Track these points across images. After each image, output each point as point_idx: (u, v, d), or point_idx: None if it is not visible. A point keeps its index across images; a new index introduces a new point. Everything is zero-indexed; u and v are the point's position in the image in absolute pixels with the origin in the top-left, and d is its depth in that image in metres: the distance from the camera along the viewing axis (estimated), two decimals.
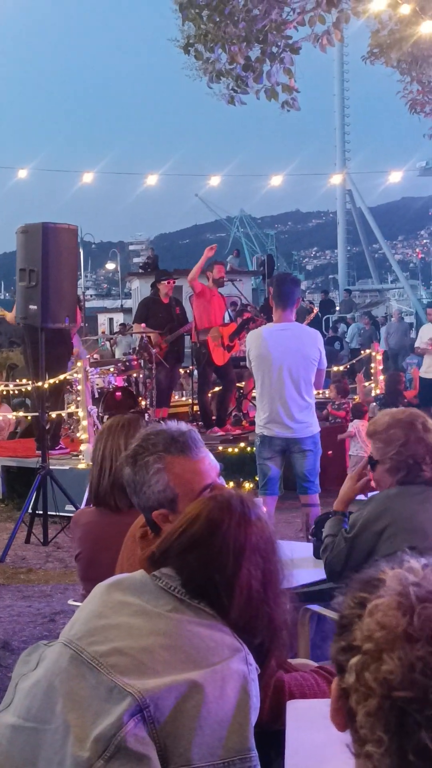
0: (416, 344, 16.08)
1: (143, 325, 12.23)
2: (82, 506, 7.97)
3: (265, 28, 7.00)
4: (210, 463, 2.76)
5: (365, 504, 3.82)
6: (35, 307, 8.36)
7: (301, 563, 4.39)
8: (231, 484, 10.43)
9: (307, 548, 4.70)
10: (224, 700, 1.93)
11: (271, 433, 7.14)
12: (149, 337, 12.09)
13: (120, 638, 2.00)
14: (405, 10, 8.09)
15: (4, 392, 10.82)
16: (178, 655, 1.96)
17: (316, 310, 14.75)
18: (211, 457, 2.79)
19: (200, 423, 12.64)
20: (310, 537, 4.69)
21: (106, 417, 10.62)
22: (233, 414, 12.97)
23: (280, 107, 7.66)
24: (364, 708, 1.26)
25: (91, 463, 4.05)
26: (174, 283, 12.92)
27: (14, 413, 12.33)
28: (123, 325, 27.55)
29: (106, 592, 2.17)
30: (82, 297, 35.83)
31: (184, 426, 2.80)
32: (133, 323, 13.20)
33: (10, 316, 10.96)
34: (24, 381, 11.75)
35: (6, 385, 11.53)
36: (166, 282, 12.61)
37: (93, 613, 2.11)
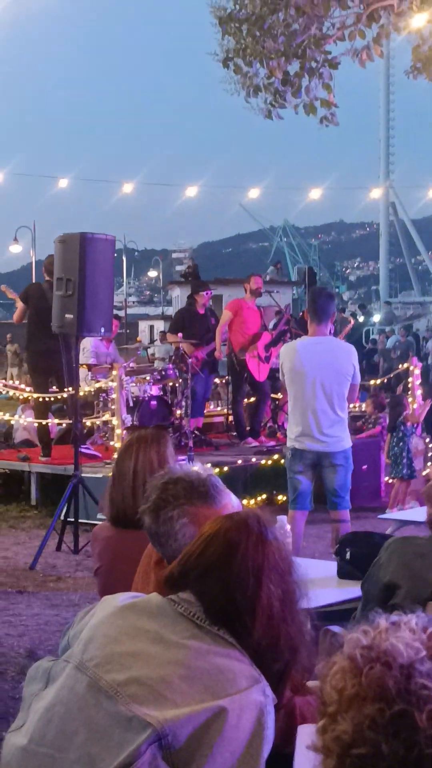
0: None
1: (179, 335, 12.26)
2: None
3: (304, 43, 7.01)
4: (232, 506, 2.72)
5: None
6: (71, 316, 8.41)
7: (325, 582, 4.38)
8: (264, 495, 10.49)
9: (332, 567, 4.69)
10: (239, 730, 1.92)
11: (303, 446, 7.14)
12: (184, 348, 12.12)
13: (137, 667, 1.99)
14: None
15: (40, 399, 10.84)
16: (196, 685, 1.95)
17: (353, 321, 14.70)
18: (233, 498, 2.73)
19: (234, 433, 12.67)
20: (334, 556, 4.67)
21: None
22: (268, 425, 12.96)
23: (318, 122, 7.66)
24: (328, 766, 1.33)
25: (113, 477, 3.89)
26: (211, 294, 12.95)
27: (50, 420, 12.37)
28: (163, 332, 27.64)
29: (121, 615, 2.15)
30: (124, 304, 35.98)
31: (203, 471, 2.74)
32: (168, 332, 13.22)
33: (17, 314, 11.03)
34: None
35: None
36: (203, 293, 12.62)
37: (109, 637, 2.10)
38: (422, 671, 1.28)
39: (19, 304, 10.85)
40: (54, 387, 10.92)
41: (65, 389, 10.57)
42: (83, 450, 10.49)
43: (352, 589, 4.20)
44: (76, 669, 2.06)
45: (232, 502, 2.69)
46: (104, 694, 1.98)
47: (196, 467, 2.78)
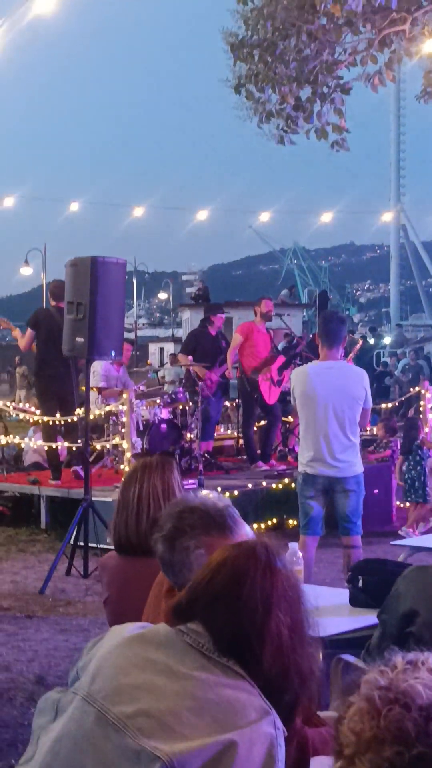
0: None
1: (190, 357, 12.26)
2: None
3: (316, 68, 7.03)
4: (248, 538, 2.69)
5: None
6: (82, 339, 8.42)
7: (337, 610, 4.34)
8: (274, 520, 10.45)
9: (344, 594, 4.65)
10: (250, 763, 1.89)
11: (314, 471, 7.11)
12: (196, 371, 12.11)
13: (146, 699, 1.97)
14: None
15: (48, 422, 10.85)
16: (205, 718, 1.93)
17: (361, 342, 14.58)
18: (248, 529, 2.71)
19: (244, 457, 12.64)
20: (346, 583, 4.63)
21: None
22: (278, 449, 12.93)
23: (329, 147, 7.68)
24: None
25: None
26: (224, 317, 13.00)
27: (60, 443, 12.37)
28: (173, 355, 27.66)
29: (129, 645, 2.13)
30: (134, 326, 36.04)
31: (219, 501, 2.71)
32: (179, 354, 13.22)
33: (22, 342, 11.06)
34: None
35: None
36: (219, 315, 12.68)
37: (117, 669, 2.07)
38: None
39: (26, 332, 10.89)
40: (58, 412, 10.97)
41: (71, 413, 10.65)
42: (76, 469, 10.59)
43: (365, 617, 4.17)
44: (84, 701, 2.04)
45: (247, 534, 2.66)
46: (112, 727, 1.95)
47: (212, 495, 2.76)
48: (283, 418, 12.68)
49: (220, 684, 1.99)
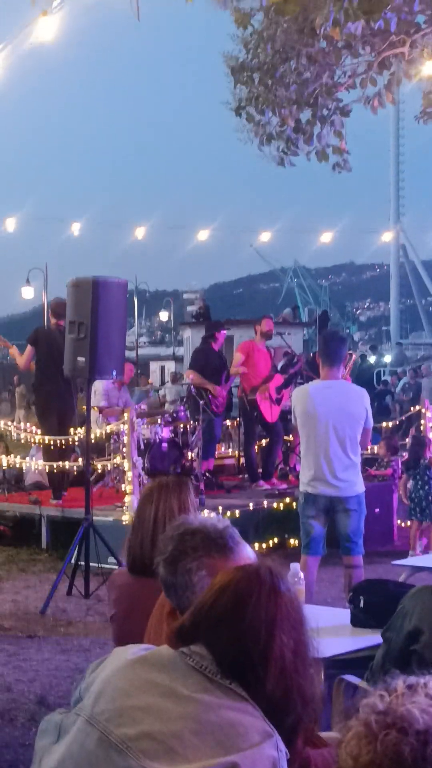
0: None
1: (193, 376, 12.30)
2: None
3: (316, 91, 7.09)
4: (250, 559, 2.69)
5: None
6: (83, 359, 8.45)
7: (338, 631, 4.34)
8: (275, 539, 10.44)
9: (345, 614, 4.65)
10: None
11: (316, 491, 7.11)
12: (210, 389, 12.10)
13: (148, 721, 1.97)
14: None
15: (50, 441, 10.87)
16: (208, 740, 1.93)
17: (354, 355, 14.45)
18: (249, 549, 2.72)
19: (245, 476, 12.64)
20: (347, 604, 4.64)
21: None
22: (279, 468, 12.93)
23: (331, 169, 7.73)
24: None
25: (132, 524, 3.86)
26: (225, 334, 13.08)
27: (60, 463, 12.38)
28: (174, 373, 27.66)
29: (132, 668, 2.14)
30: (135, 344, 36.05)
31: (220, 523, 2.72)
32: (189, 371, 13.12)
33: (21, 360, 11.11)
34: (73, 430, 11.84)
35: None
36: (223, 331, 12.76)
37: (120, 691, 2.08)
38: None
39: (25, 350, 10.93)
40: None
41: (69, 432, 10.73)
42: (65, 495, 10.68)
43: (366, 638, 4.18)
44: (86, 722, 2.05)
45: (248, 555, 2.68)
46: (115, 749, 1.96)
47: (212, 516, 2.77)
48: (285, 437, 12.69)
49: (223, 706, 1.99)
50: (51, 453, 10.91)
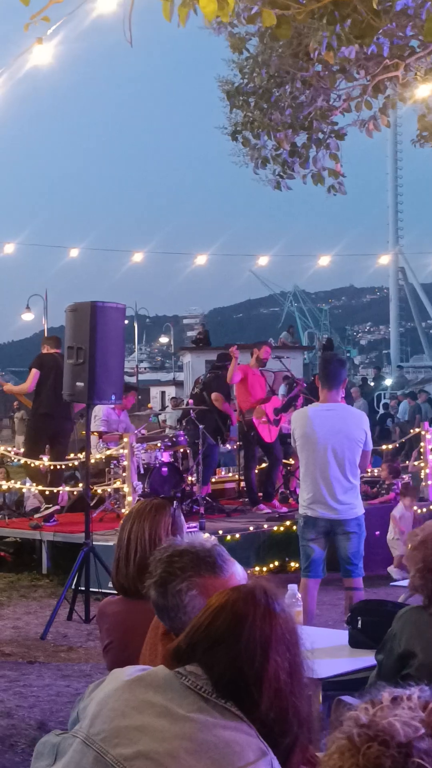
0: None
1: (226, 405, 12.49)
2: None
3: (311, 114, 7.14)
4: (239, 576, 2.70)
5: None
6: (82, 384, 8.46)
7: (336, 652, 4.33)
8: (276, 562, 10.42)
9: (344, 636, 4.64)
10: None
11: (315, 513, 7.10)
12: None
13: (144, 741, 1.98)
14: None
15: (51, 466, 10.88)
16: (203, 759, 1.93)
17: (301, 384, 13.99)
18: (239, 567, 2.72)
19: (246, 499, 12.62)
20: (345, 624, 4.63)
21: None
22: (280, 491, 12.92)
23: (326, 192, 7.76)
24: None
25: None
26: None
27: (60, 488, 12.39)
28: (174, 398, 27.65)
29: (128, 688, 2.14)
30: (135, 370, 36.11)
31: (207, 542, 2.73)
32: (215, 392, 13.03)
33: (23, 386, 11.22)
34: (73, 455, 11.85)
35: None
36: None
37: (116, 711, 2.08)
38: (421, 749, 1.26)
39: (30, 374, 11.01)
40: (46, 454, 11.05)
41: (62, 457, 10.78)
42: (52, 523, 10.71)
43: (364, 659, 4.17)
44: (83, 743, 2.05)
45: (237, 572, 2.68)
46: None
47: (199, 537, 2.78)
48: (285, 461, 12.68)
49: (218, 725, 1.99)
50: (38, 476, 11.00)
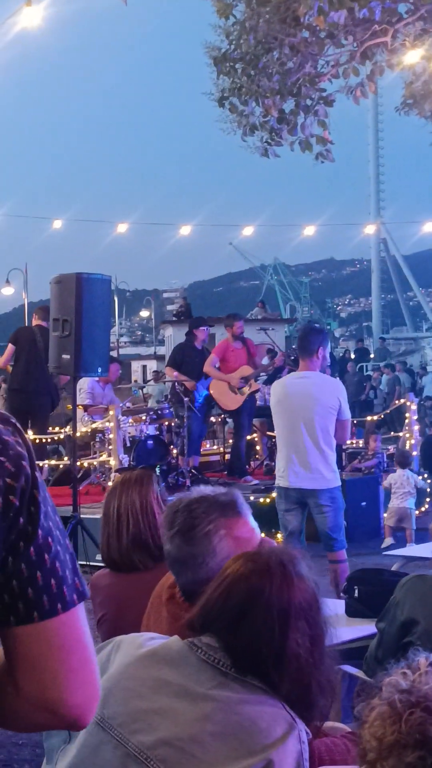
0: None
1: (176, 373, 12.24)
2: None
3: (299, 81, 7.06)
4: (253, 522, 2.66)
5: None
6: (68, 356, 8.38)
7: (334, 621, 4.29)
8: (263, 534, 10.41)
9: (339, 605, 4.61)
10: None
11: (286, 483, 6.95)
12: (186, 384, 12.07)
13: (165, 726, 1.91)
14: None
15: (37, 440, 10.82)
16: (230, 741, 1.87)
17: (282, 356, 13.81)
18: (252, 519, 2.69)
19: (226, 472, 12.60)
20: (342, 594, 4.60)
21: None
22: (265, 463, 12.89)
23: (314, 159, 7.69)
24: None
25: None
26: (208, 331, 12.99)
27: (46, 461, 12.33)
28: (156, 372, 27.57)
29: (141, 664, 2.05)
30: (116, 344, 35.95)
31: (220, 488, 2.69)
32: (166, 367, 13.16)
33: (5, 358, 11.21)
34: (57, 429, 11.81)
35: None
36: (202, 329, 12.66)
37: (130, 691, 1.99)
38: None
39: (6, 348, 10.96)
40: (30, 429, 10.98)
41: (42, 432, 10.74)
42: None
43: (362, 627, 4.14)
44: (97, 725, 1.96)
45: (254, 523, 2.65)
46: (133, 759, 1.89)
47: (207, 487, 2.73)
48: (269, 433, 12.64)
49: (242, 701, 1.92)
50: None
